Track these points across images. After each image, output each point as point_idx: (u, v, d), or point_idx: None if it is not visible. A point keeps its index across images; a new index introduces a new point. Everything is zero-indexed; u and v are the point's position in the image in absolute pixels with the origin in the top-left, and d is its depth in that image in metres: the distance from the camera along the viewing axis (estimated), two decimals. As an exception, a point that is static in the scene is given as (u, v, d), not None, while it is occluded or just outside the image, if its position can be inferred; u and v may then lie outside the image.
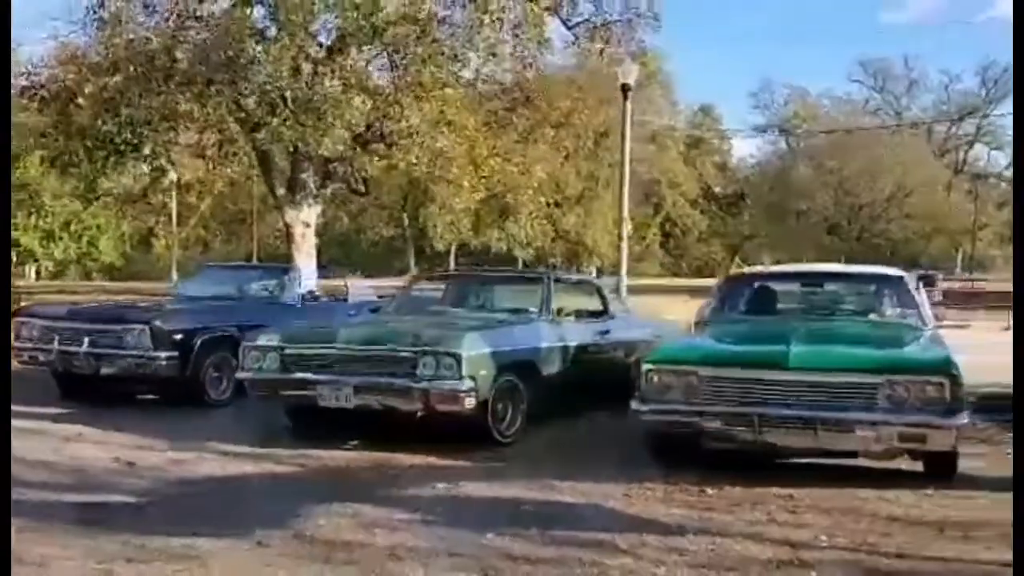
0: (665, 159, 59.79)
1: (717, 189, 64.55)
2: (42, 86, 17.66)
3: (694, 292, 20.35)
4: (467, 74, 16.56)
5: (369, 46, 15.89)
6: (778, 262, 54.19)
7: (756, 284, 7.88)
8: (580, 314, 9.06)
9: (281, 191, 21.11)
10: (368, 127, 17.87)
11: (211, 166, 22.42)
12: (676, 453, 6.38)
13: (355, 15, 14.84)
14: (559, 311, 8.20)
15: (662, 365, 6.17)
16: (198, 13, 16.69)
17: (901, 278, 7.45)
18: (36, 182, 36.92)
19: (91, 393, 9.04)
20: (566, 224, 35.44)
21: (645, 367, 6.19)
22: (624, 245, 16.71)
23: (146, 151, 17.17)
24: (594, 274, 40.01)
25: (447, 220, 29.90)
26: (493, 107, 26.09)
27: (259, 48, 14.97)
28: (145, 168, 21.19)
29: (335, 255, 49.82)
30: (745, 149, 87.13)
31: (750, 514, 5.26)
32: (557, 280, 8.77)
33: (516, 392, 7.19)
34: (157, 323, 8.45)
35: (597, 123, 31.23)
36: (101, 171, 17.95)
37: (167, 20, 15.80)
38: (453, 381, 6.55)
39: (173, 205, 40.17)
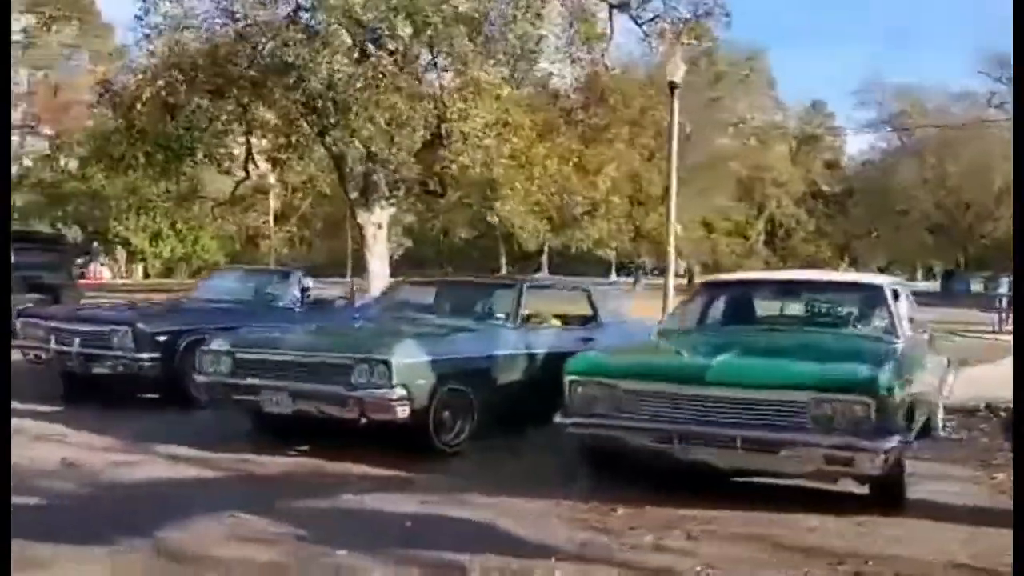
0: (769, 156, 58.28)
1: (825, 187, 62.51)
2: (114, 92, 18.45)
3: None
4: (504, 71, 16.38)
5: (406, 46, 15.92)
6: (881, 269, 52.02)
7: (725, 292, 7.50)
8: (567, 320, 8.87)
9: (354, 194, 21.47)
10: (436, 127, 17.97)
11: (280, 169, 22.97)
12: (617, 468, 6.12)
13: (393, 15, 14.91)
14: (529, 317, 8.00)
15: (584, 376, 5.93)
16: (259, 18, 17.09)
17: (879, 287, 6.96)
18: (143, 184, 38.50)
19: (95, 393, 9.28)
20: (649, 223, 34.75)
21: (568, 378, 5.96)
22: (671, 247, 16.24)
23: (199, 156, 17.63)
24: (683, 273, 39.35)
25: (528, 221, 29.81)
26: (567, 105, 25.89)
27: (293, 51, 15.16)
28: (217, 171, 21.75)
29: (428, 255, 50.49)
30: (857, 147, 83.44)
31: (643, 538, 4.98)
32: (538, 286, 8.57)
33: (465, 401, 7.03)
34: (140, 325, 8.63)
35: (680, 121, 30.56)
36: (160, 174, 18.57)
37: (220, 26, 16.22)
38: (384, 389, 6.44)
39: (271, 206, 41.24)
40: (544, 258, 51.56)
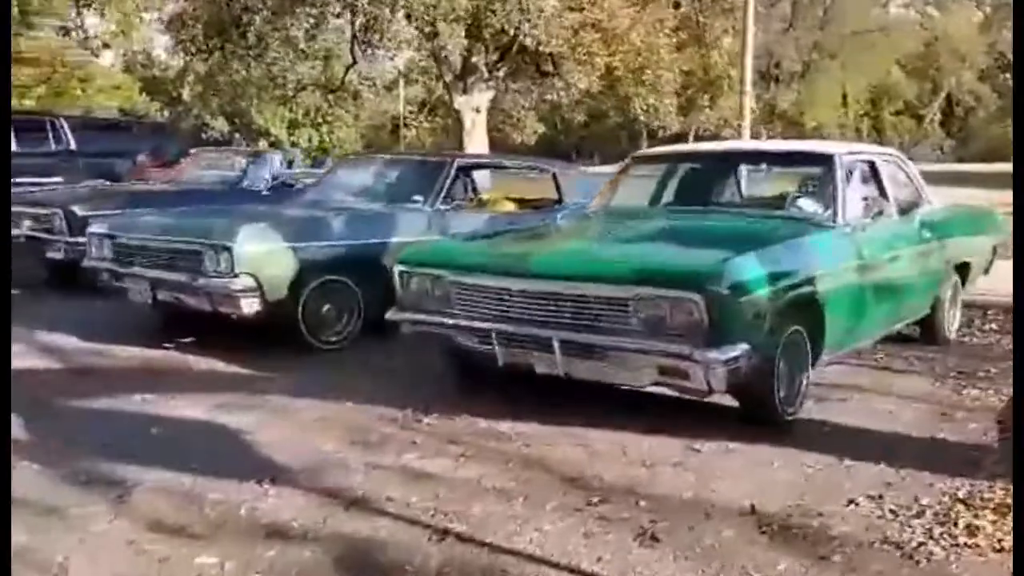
0: (947, 25, 52.73)
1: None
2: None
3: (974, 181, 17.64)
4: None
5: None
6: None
7: (653, 168, 6.31)
8: (524, 204, 7.97)
9: (449, 77, 20.68)
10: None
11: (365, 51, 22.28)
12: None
13: None
14: (451, 198, 7.10)
15: (411, 267, 5.07)
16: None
17: (828, 158, 5.58)
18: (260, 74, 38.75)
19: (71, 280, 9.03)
20: (783, 102, 31.93)
21: (396, 268, 5.13)
22: (746, 125, 14.68)
23: (251, 40, 17.17)
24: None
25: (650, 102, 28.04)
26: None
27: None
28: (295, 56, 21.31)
29: (575, 142, 48.98)
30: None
31: (403, 456, 4.20)
32: (477, 166, 7.62)
33: (346, 294, 6.28)
34: (73, 208, 8.28)
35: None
36: (222, 60, 18.31)
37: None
38: (226, 279, 5.80)
39: (401, 94, 40.93)
40: (691, 139, 49.10)
